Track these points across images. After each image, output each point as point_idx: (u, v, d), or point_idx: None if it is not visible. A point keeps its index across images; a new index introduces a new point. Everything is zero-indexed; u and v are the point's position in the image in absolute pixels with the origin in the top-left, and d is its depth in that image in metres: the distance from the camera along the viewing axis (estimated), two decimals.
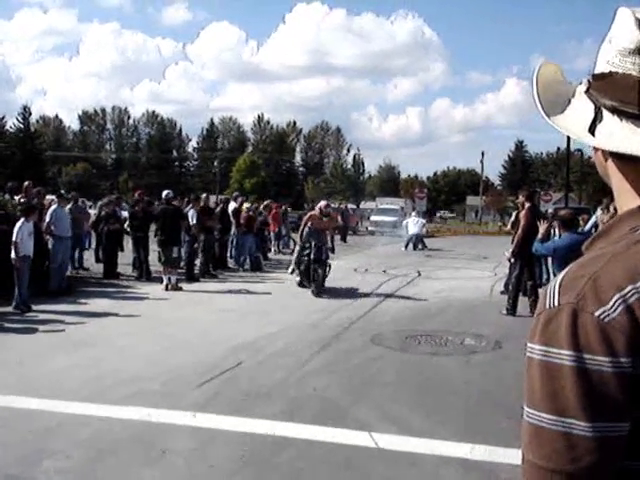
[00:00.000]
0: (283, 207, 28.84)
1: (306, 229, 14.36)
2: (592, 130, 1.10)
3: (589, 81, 1.14)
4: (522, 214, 11.41)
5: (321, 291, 13.59)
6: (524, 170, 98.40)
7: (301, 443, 5.33)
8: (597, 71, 1.13)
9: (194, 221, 15.80)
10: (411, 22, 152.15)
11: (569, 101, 1.17)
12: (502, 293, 14.01)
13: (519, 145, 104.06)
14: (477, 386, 7.12)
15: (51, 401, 6.22)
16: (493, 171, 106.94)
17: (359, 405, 6.33)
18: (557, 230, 9.69)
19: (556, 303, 1.02)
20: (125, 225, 16.30)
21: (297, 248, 14.98)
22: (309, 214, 15.40)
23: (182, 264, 15.70)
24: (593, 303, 0.98)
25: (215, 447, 5.26)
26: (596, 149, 1.16)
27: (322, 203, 15.35)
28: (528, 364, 1.04)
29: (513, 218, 14.71)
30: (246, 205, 20.41)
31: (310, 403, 6.39)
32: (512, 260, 11.70)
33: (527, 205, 11.60)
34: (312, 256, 13.75)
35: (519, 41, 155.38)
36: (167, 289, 13.95)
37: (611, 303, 0.97)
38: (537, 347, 1.02)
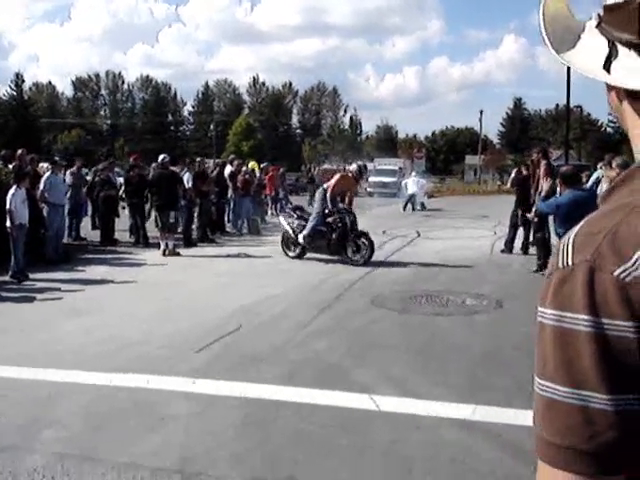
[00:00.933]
0: (281, 169, 28.64)
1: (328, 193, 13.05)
2: (607, 67, 0.97)
3: (599, 15, 1.00)
4: (542, 171, 11.16)
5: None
6: (523, 128, 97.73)
7: (301, 407, 5.27)
8: (609, 2, 0.98)
9: (189, 185, 15.67)
10: None
11: (579, 37, 1.03)
12: (502, 252, 13.95)
13: (517, 103, 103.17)
14: (479, 346, 7.06)
15: (49, 370, 6.16)
16: (492, 130, 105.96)
17: (360, 368, 6.26)
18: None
19: (570, 262, 0.90)
20: (120, 191, 16.17)
21: (314, 214, 13.10)
22: (339, 176, 13.88)
23: (179, 229, 15.58)
24: (612, 260, 0.86)
25: (215, 412, 5.21)
26: (610, 88, 1.02)
27: (354, 167, 14.26)
28: (540, 330, 0.92)
29: (513, 175, 14.58)
30: (252, 165, 20.17)
31: (310, 366, 6.32)
32: (536, 219, 11.34)
33: (544, 162, 11.41)
34: (348, 224, 12.70)
35: None
36: (165, 254, 13.87)
37: (633, 260, 0.85)
38: (549, 312, 0.90)
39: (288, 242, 13.64)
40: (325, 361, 6.50)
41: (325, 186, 13.46)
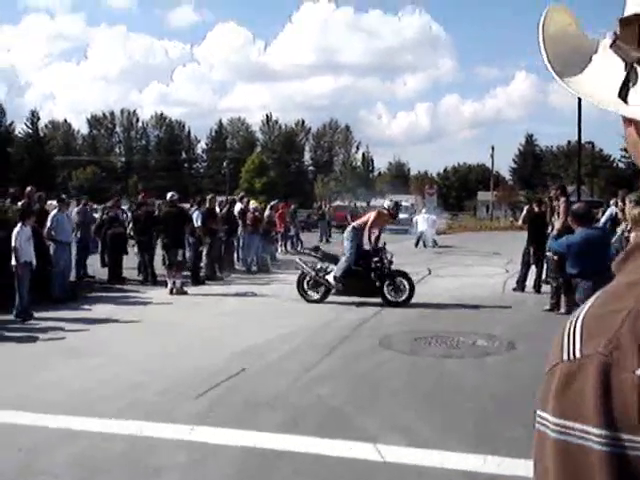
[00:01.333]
0: (292, 206, 28.57)
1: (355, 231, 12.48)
2: (623, 95, 0.77)
3: (615, 33, 0.82)
4: (561, 209, 10.94)
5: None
6: (535, 164, 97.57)
7: (302, 457, 5.03)
8: (626, 14, 0.80)
9: (199, 223, 15.56)
10: (418, 18, 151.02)
11: (590, 59, 0.83)
12: (514, 290, 13.70)
13: (529, 139, 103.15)
14: (490, 391, 6.80)
15: (45, 415, 5.95)
16: (504, 166, 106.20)
17: (365, 414, 6.02)
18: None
19: (578, 353, 0.69)
20: (128, 229, 16.09)
21: (348, 254, 12.37)
22: (377, 213, 12.98)
23: (187, 267, 15.44)
24: (634, 354, 0.65)
25: (212, 463, 4.97)
26: (627, 122, 0.81)
27: (389, 203, 13.47)
28: (538, 441, 0.71)
29: (525, 212, 14.37)
30: (252, 204, 20.08)
31: (314, 412, 6.08)
32: (555, 257, 11.05)
33: (563, 199, 11.22)
34: (386, 264, 12.31)
35: (527, 34, 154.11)
36: (172, 293, 13.71)
37: None
38: (551, 420, 0.69)
39: (305, 284, 12.85)
40: (329, 406, 6.27)
41: (356, 224, 12.85)
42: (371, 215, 13.00)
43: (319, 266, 12.83)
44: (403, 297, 12.15)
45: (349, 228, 12.97)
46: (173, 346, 8.94)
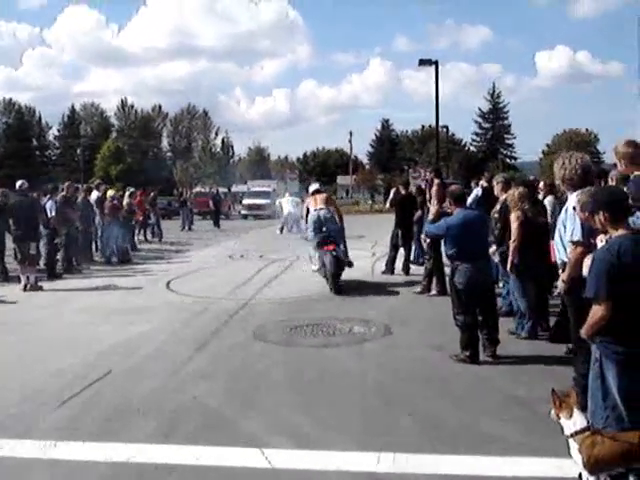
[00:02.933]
0: (152, 193, 27.55)
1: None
2: None
3: None
4: (434, 190, 10.87)
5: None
6: (391, 148, 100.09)
7: (180, 469, 4.56)
8: None
9: (52, 213, 14.53)
10: (275, 3, 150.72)
11: None
12: (383, 273, 13.69)
13: (385, 124, 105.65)
14: (372, 380, 6.57)
15: None
16: (361, 150, 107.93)
17: (247, 414, 5.61)
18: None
19: None
20: None
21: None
22: (328, 196, 13.62)
23: (41, 261, 14.39)
24: None
25: None
26: None
27: (316, 186, 14.04)
28: None
29: (392, 195, 14.36)
30: (110, 193, 19.11)
31: (190, 416, 5.60)
32: (428, 240, 10.94)
33: (437, 181, 11.17)
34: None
35: (381, 22, 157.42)
36: (26, 289, 12.68)
37: None
38: None
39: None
40: (207, 408, 5.81)
41: (318, 208, 12.68)
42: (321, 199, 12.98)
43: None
44: None
45: (315, 213, 12.73)
46: (29, 349, 8.16)
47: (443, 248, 8.12)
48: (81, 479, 4.49)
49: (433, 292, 11.09)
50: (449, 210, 7.72)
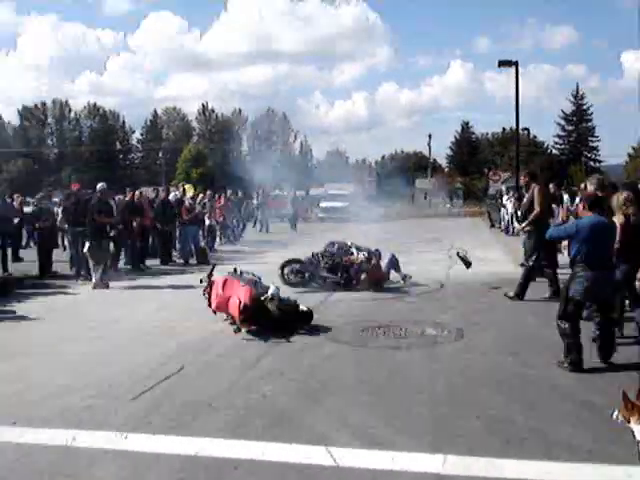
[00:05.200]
0: (233, 196, 27.96)
1: None
2: None
3: None
4: (536, 194, 10.67)
5: None
6: (471, 151, 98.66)
7: (248, 464, 4.61)
8: None
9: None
10: (355, 7, 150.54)
11: None
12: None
13: (465, 126, 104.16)
14: (442, 382, 6.49)
15: None
16: (441, 153, 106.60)
17: (315, 413, 5.63)
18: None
19: None
20: (57, 221, 15.34)
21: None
22: None
23: (118, 260, 14.81)
24: None
25: (149, 475, 4.51)
26: None
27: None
28: None
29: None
30: (189, 194, 19.50)
31: (259, 413, 5.65)
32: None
33: (535, 186, 10.92)
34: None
35: (462, 23, 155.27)
36: (95, 287, 13.04)
37: None
38: None
39: None
40: (276, 406, 5.85)
41: None
42: None
43: None
44: None
45: None
46: (106, 345, 8.40)
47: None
48: (148, 470, 4.57)
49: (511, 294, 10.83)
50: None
